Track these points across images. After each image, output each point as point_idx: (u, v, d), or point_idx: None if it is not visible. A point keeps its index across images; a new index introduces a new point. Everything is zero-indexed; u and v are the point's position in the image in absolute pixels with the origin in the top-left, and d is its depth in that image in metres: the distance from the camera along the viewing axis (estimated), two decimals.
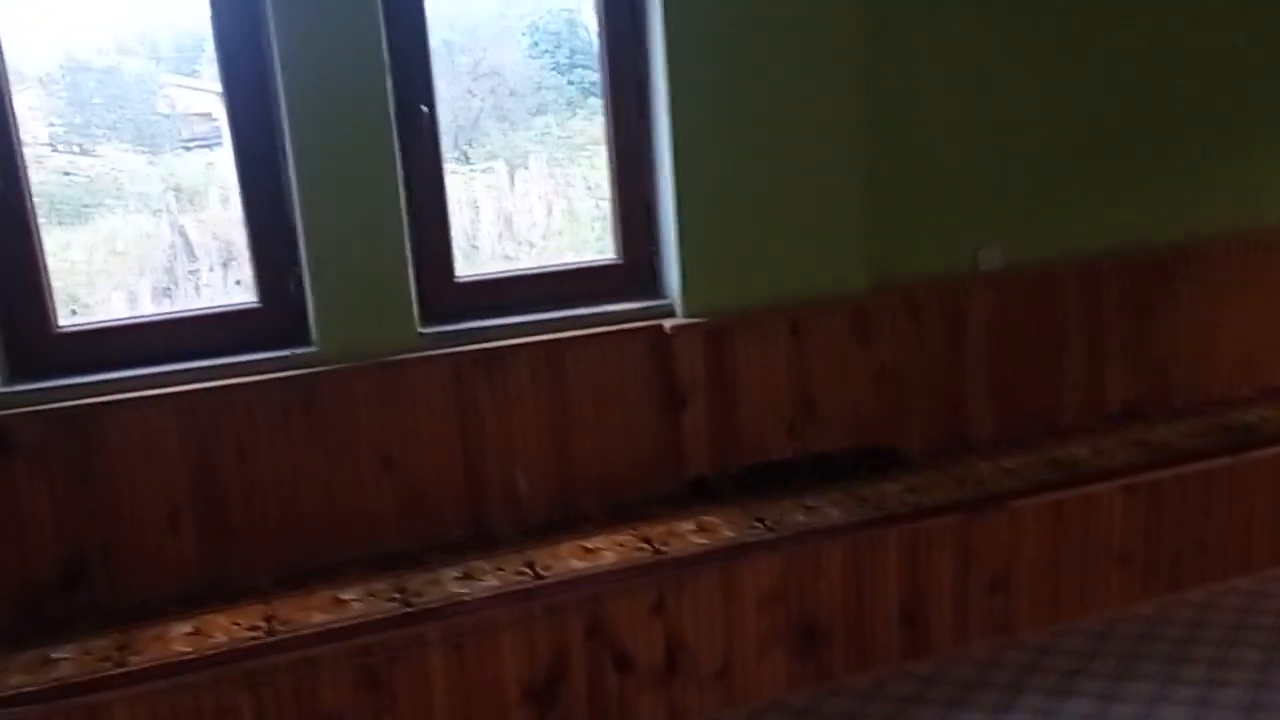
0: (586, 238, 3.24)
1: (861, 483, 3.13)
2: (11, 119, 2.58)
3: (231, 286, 2.91)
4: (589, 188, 3.21)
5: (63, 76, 2.73)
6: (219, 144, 2.76)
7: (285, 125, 2.69)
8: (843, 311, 3.16)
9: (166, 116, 2.77)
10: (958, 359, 3.38)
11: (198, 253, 2.87)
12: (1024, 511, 3.06)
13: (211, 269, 2.88)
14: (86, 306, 2.79)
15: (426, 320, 2.90)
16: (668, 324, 3.03)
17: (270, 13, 2.62)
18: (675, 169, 2.97)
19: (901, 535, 2.91)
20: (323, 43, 2.66)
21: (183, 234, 2.88)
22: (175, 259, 2.86)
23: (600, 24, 2.99)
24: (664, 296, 3.10)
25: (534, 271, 3.11)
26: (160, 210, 2.81)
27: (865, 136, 3.11)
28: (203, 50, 2.73)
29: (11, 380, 2.62)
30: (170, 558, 2.72)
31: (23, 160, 2.60)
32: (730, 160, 3.01)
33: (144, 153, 2.76)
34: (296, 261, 2.80)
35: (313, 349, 2.80)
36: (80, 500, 2.64)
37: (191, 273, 2.86)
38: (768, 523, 2.89)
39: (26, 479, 2.59)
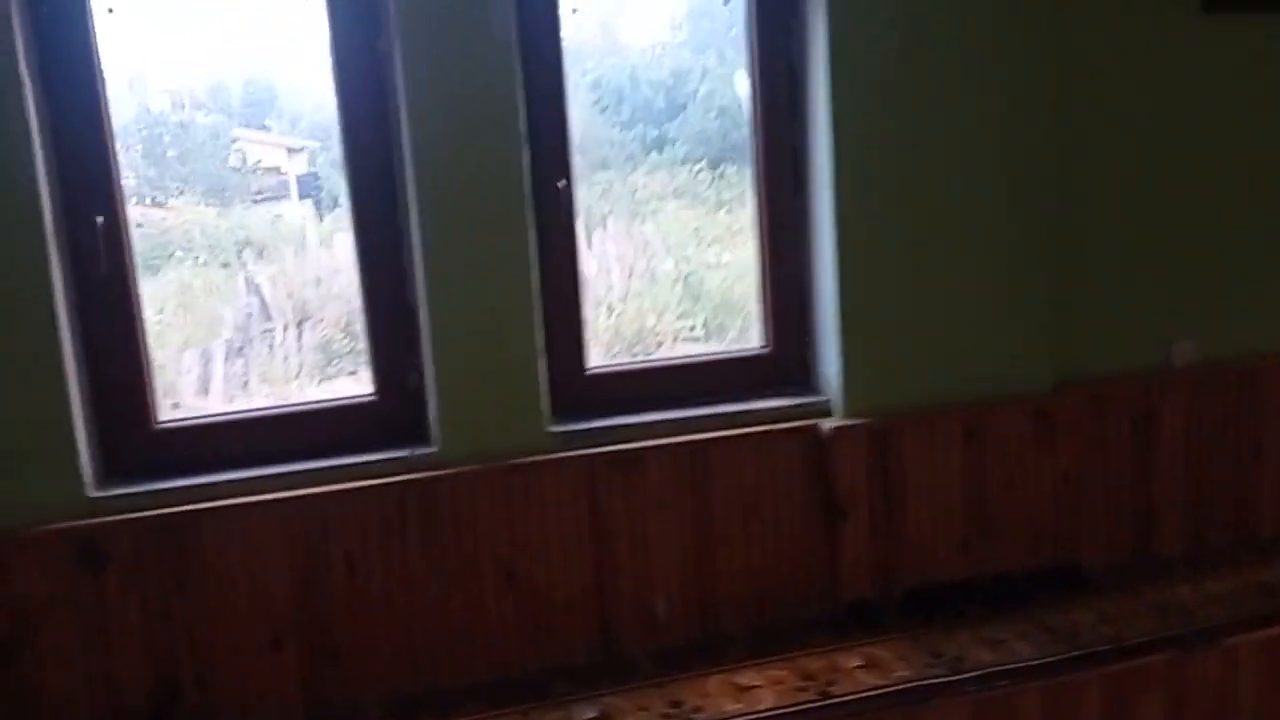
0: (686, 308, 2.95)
1: (1045, 608, 2.72)
2: (123, 225, 2.34)
3: (307, 349, 2.74)
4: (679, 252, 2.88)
5: (138, 130, 2.61)
6: (286, 198, 2.69)
7: (411, 201, 2.41)
8: (1024, 412, 2.78)
9: (237, 170, 2.70)
10: (1148, 465, 2.96)
11: (272, 311, 2.73)
12: (1240, 649, 2.63)
13: (286, 328, 2.73)
14: (161, 367, 2.57)
15: (556, 417, 2.59)
16: (825, 424, 2.67)
17: (400, 84, 2.35)
18: (838, 248, 2.63)
19: (1105, 678, 2.49)
20: (457, 115, 2.38)
21: (257, 291, 2.73)
22: (249, 316, 2.73)
23: (753, 86, 2.68)
24: (819, 392, 2.75)
25: (672, 362, 2.78)
26: (230, 264, 2.68)
27: (1053, 218, 2.75)
28: (273, 104, 2.68)
29: (105, 483, 2.35)
30: (270, 683, 2.41)
31: (129, 240, 2.37)
32: (900, 240, 2.66)
33: (214, 205, 2.68)
34: (417, 350, 2.51)
35: (432, 449, 2.49)
36: (174, 617, 2.34)
37: (266, 331, 2.72)
38: (948, 659, 2.49)
39: (117, 594, 2.31)
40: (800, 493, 2.69)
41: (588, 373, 2.66)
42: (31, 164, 2.17)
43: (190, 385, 2.67)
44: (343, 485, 2.42)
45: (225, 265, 2.69)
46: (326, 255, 2.74)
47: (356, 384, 2.66)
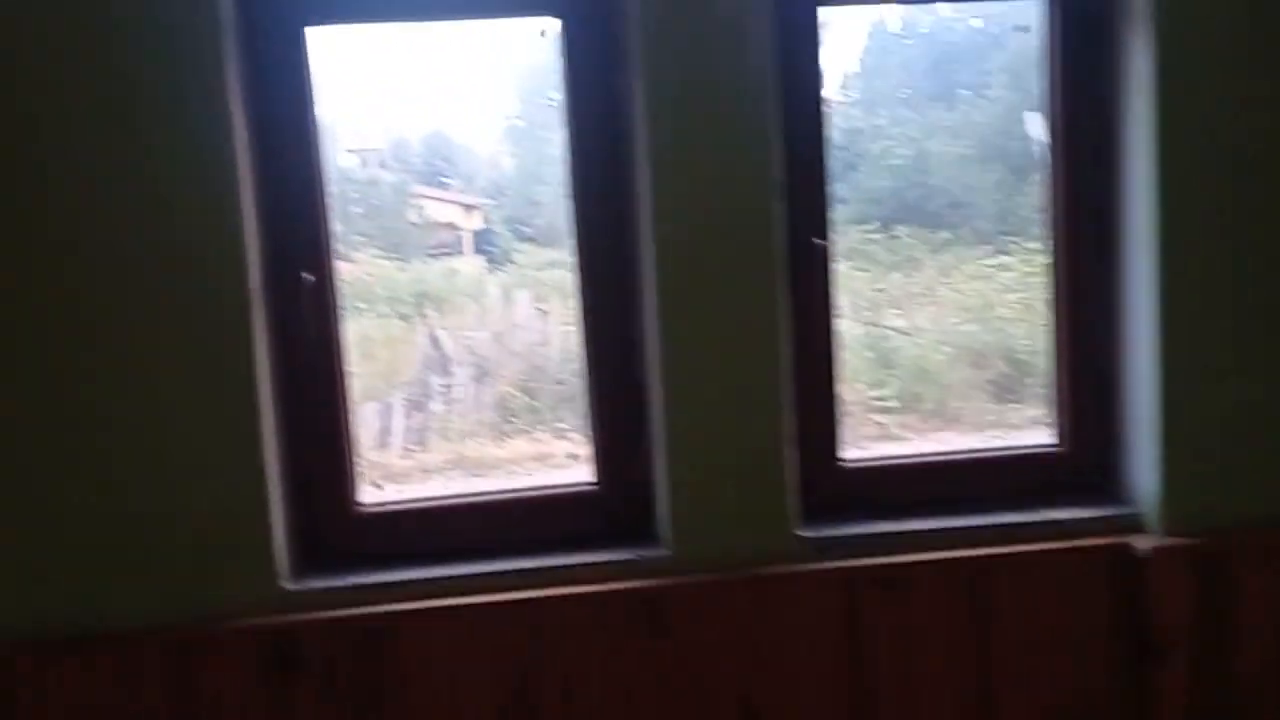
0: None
1: None
2: (331, 284, 2.12)
3: (485, 406, 2.61)
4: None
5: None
6: (460, 253, 2.68)
7: (645, 258, 2.09)
8: None
9: (415, 225, 2.71)
10: None
11: (451, 366, 2.65)
12: None
13: (464, 383, 2.64)
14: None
15: (805, 519, 2.18)
16: (1139, 543, 2.16)
17: (640, 124, 2.05)
18: (1159, 327, 2.13)
19: None
20: (703, 160, 2.05)
21: (437, 345, 2.64)
22: (428, 370, 2.65)
23: (1053, 130, 2.25)
24: (1128, 502, 2.24)
25: (944, 458, 2.32)
26: (410, 316, 2.61)
27: None
28: (450, 161, 2.70)
29: (301, 574, 2.09)
30: None
31: (337, 301, 2.13)
32: (1237, 319, 2.15)
33: (394, 259, 2.67)
34: (645, 433, 2.18)
35: (662, 552, 2.13)
36: None
37: (444, 386, 2.63)
38: None
39: (310, 703, 2.03)
40: (1105, 626, 2.18)
41: (842, 466, 2.25)
42: (238, 214, 1.96)
43: (368, 439, 2.52)
44: (560, 590, 2.08)
45: (404, 318, 2.62)
46: (505, 311, 2.68)
47: (533, 445, 2.51)
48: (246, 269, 1.97)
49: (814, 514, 2.19)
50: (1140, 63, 2.12)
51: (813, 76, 2.15)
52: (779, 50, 2.09)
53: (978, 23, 2.54)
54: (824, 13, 2.15)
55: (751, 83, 2.05)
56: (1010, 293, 2.63)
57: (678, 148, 2.05)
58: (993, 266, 2.62)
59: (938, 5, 2.48)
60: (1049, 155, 2.26)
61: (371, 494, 2.21)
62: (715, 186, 2.06)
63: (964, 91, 2.58)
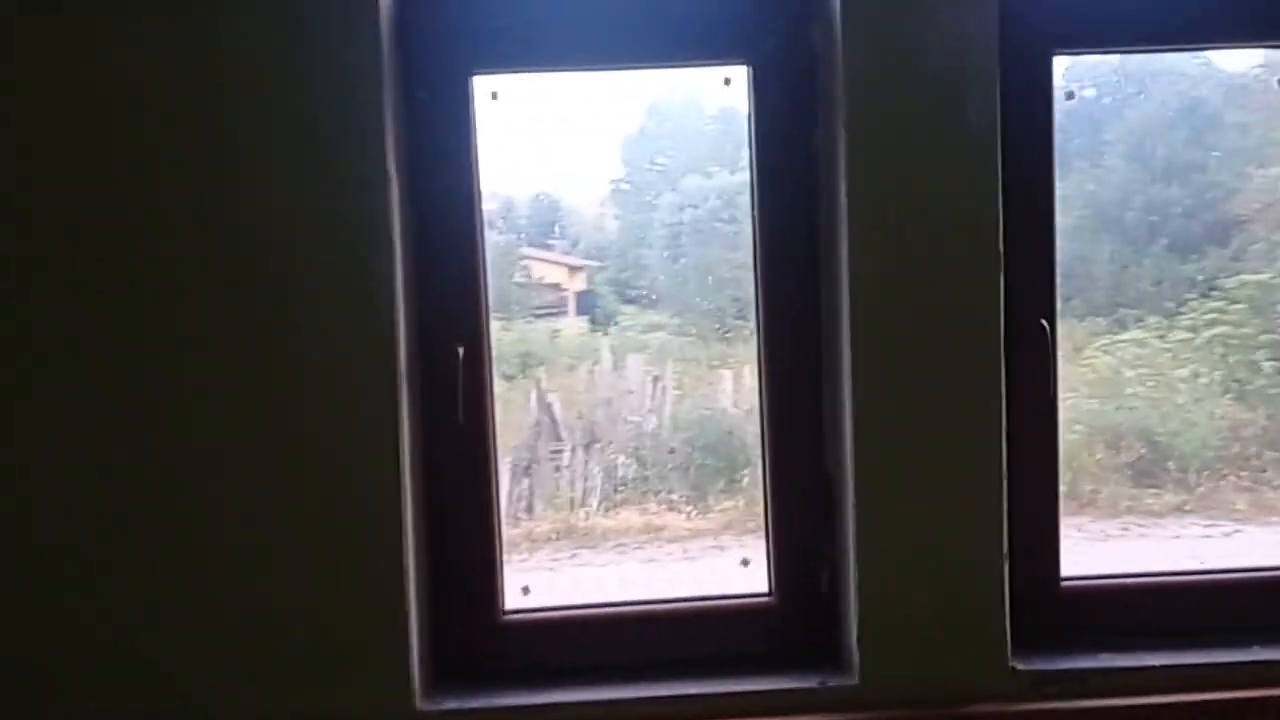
0: None
1: None
2: (486, 356, 1.90)
3: (594, 474, 2.43)
4: None
5: None
6: (564, 313, 2.61)
7: (843, 336, 1.80)
8: None
9: (521, 286, 2.61)
10: None
11: (562, 432, 2.49)
12: None
13: (574, 450, 2.49)
14: None
15: (1022, 649, 1.84)
16: None
17: (841, 186, 1.77)
18: None
19: None
20: (914, 226, 1.76)
21: (548, 409, 2.48)
22: (538, 434, 2.50)
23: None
24: None
25: (1182, 579, 1.96)
26: (515, 377, 2.47)
27: None
28: (555, 222, 2.63)
29: (434, 691, 1.83)
30: None
31: (491, 374, 1.90)
32: None
33: (499, 319, 2.47)
34: (832, 542, 1.88)
35: (851, 681, 1.82)
36: None
37: (554, 453, 2.48)
38: None
39: None
40: None
41: (1065, 586, 1.91)
42: (393, 281, 1.74)
43: None
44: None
45: (509, 379, 2.47)
46: (616, 376, 2.55)
47: (643, 516, 2.35)
48: (397, 342, 1.75)
49: (1033, 643, 1.86)
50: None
51: (1044, 136, 1.85)
52: (1007, 105, 1.80)
53: (1090, 93, 2.41)
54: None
55: (977, 139, 1.76)
56: (1136, 367, 2.42)
57: (884, 207, 1.77)
58: (1122, 341, 2.42)
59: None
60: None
61: (518, 599, 1.95)
62: (925, 260, 1.77)
63: (1077, 160, 2.44)
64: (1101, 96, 2.51)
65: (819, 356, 1.88)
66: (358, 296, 1.72)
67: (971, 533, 1.81)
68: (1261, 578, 1.94)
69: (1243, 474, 2.14)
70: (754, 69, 1.85)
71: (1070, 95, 1.98)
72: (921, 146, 1.76)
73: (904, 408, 1.79)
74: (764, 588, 1.92)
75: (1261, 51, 2.05)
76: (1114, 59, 2.16)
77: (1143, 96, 2.29)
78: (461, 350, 1.84)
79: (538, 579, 2.01)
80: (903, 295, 1.78)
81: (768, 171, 1.86)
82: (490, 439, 1.88)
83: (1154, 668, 1.83)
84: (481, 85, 1.85)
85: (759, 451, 1.93)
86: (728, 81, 1.89)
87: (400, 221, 1.76)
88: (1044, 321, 1.86)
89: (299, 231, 1.72)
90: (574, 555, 2.41)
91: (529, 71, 1.89)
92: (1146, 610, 1.92)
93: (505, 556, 1.92)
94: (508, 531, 2.29)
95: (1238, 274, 2.18)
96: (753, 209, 1.88)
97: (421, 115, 1.82)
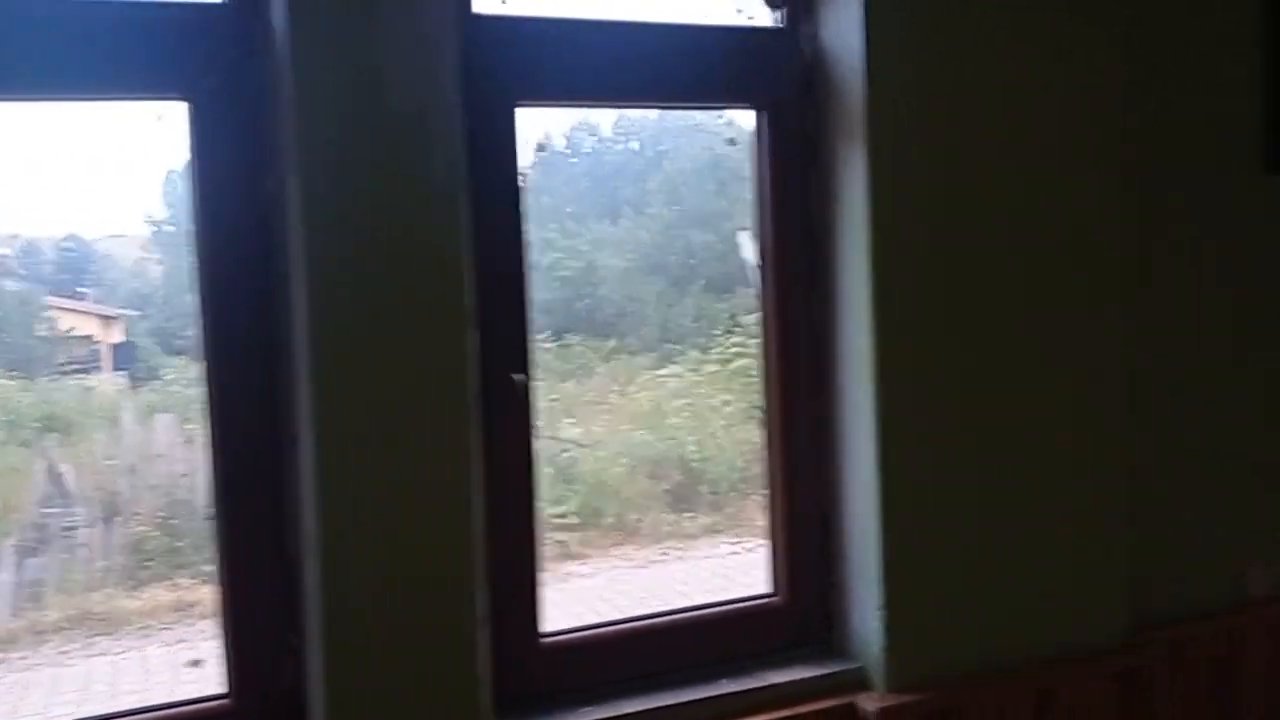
0: None
1: None
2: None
3: (114, 545, 2.25)
4: None
5: None
6: (98, 368, 2.46)
7: (302, 404, 1.65)
8: (1101, 673, 2.16)
9: (45, 339, 2.48)
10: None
11: (76, 503, 2.32)
12: None
13: (93, 525, 2.31)
14: None
15: (501, 710, 1.79)
16: (866, 703, 1.97)
17: (296, 240, 1.62)
18: (879, 464, 1.98)
19: None
20: (375, 282, 1.65)
21: (59, 481, 2.30)
22: (48, 510, 2.31)
23: (763, 251, 2.06)
24: (852, 656, 2.05)
25: (654, 623, 2.01)
26: (30, 443, 2.29)
27: (1131, 432, 2.21)
28: (86, 270, 2.48)
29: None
30: None
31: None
32: (958, 459, 2.04)
33: (17, 378, 2.41)
34: (299, 624, 1.71)
35: None
36: None
37: (67, 529, 2.29)
38: None
39: None
40: None
41: (544, 642, 1.89)
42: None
43: None
44: None
45: (24, 445, 2.31)
46: (144, 436, 2.37)
47: (173, 593, 2.19)
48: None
49: (512, 703, 1.81)
50: (854, 183, 1.99)
51: (510, 186, 1.82)
52: (470, 155, 1.74)
53: (635, 145, 2.65)
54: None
55: (439, 194, 1.68)
56: (678, 399, 2.65)
57: (342, 261, 1.63)
58: (663, 375, 2.65)
59: (601, 127, 2.52)
60: (760, 277, 2.07)
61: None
62: (391, 317, 1.66)
63: (626, 208, 2.67)
64: (644, 149, 2.68)
65: (275, 423, 1.70)
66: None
67: (449, 600, 1.72)
68: (723, 613, 2.05)
69: (764, 492, 2.28)
70: (195, 107, 1.64)
71: (542, 147, 1.99)
72: (382, 197, 1.65)
73: (370, 472, 1.66)
74: (221, 688, 1.70)
75: None
76: (653, 114, 2.24)
77: (672, 150, 2.42)
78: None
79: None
80: (367, 355, 1.65)
81: (210, 219, 1.65)
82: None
83: (630, 715, 1.86)
84: None
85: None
86: (160, 118, 1.66)
87: None
88: (518, 376, 1.83)
89: None
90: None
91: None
92: (622, 657, 1.95)
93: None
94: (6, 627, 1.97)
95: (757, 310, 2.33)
96: (196, 263, 1.66)
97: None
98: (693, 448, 2.51)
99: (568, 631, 1.93)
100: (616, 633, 1.98)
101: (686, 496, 2.59)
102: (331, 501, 1.65)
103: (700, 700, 1.91)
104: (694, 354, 2.44)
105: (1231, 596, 2.40)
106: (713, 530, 2.36)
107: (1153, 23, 2.24)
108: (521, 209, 1.83)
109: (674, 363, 2.56)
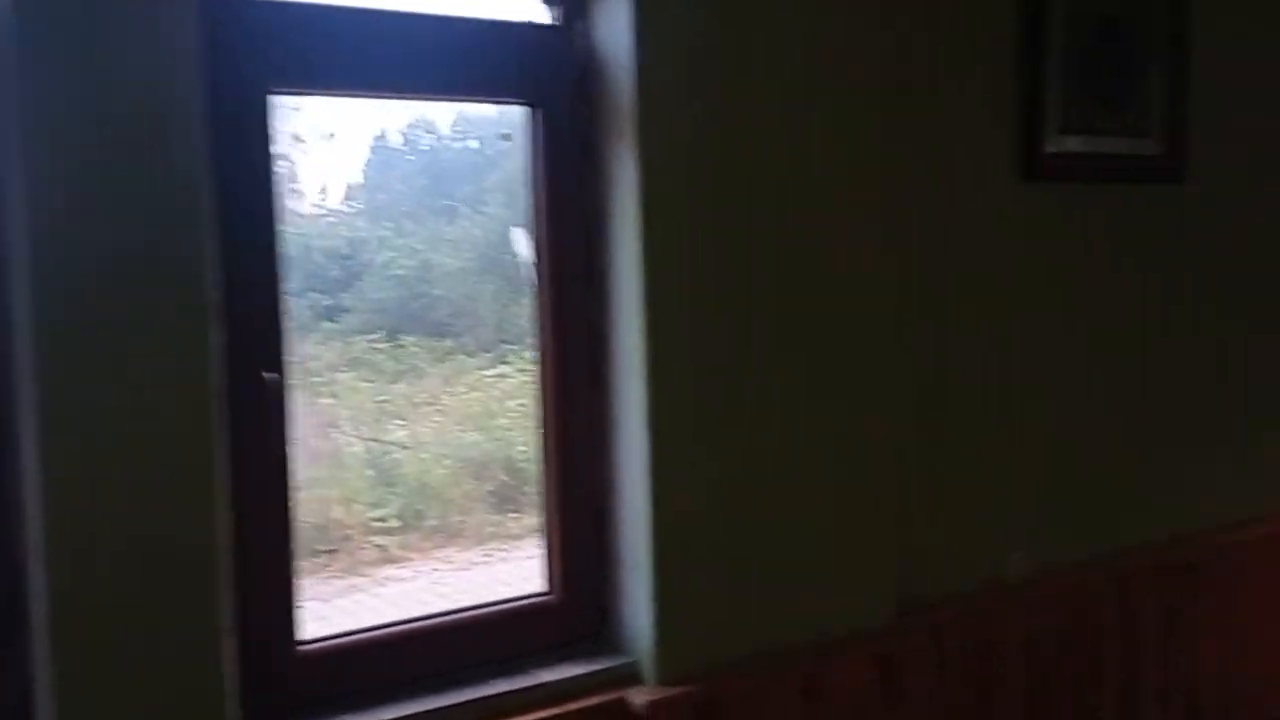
0: None
1: None
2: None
3: None
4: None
5: None
6: None
7: (26, 406, 1.54)
8: (864, 657, 2.24)
9: None
10: (988, 707, 2.52)
11: None
12: None
13: None
14: None
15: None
16: (636, 697, 1.99)
17: (20, 237, 1.51)
18: (650, 459, 2.00)
19: None
20: (109, 283, 1.55)
21: None
22: None
23: (539, 247, 2.04)
24: (624, 651, 2.06)
25: (422, 626, 1.96)
26: None
27: (898, 431, 2.31)
28: None
29: None
30: None
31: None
32: (724, 448, 2.08)
33: None
34: (25, 641, 1.60)
35: None
36: None
37: None
38: None
39: None
40: None
41: (301, 650, 1.83)
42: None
43: None
44: None
45: None
46: None
47: None
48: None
49: (269, 714, 1.75)
50: (625, 181, 2.00)
51: (263, 178, 1.74)
52: (221, 145, 1.66)
53: (474, 143, 2.57)
54: (320, 116, 1.77)
55: (179, 186, 1.60)
56: (510, 399, 2.61)
57: (68, 265, 1.53)
58: (493, 376, 2.61)
59: (438, 122, 2.48)
60: (535, 274, 2.06)
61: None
62: (120, 311, 1.57)
63: (462, 207, 2.61)
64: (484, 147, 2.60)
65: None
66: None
67: (190, 611, 1.64)
68: (497, 612, 2.03)
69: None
70: None
71: (299, 138, 1.92)
72: (113, 186, 1.56)
73: (102, 475, 1.56)
74: None
75: None
76: (492, 112, 2.20)
77: (510, 149, 2.35)
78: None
79: None
80: (96, 355, 1.55)
81: None
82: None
83: None
84: None
85: None
86: None
87: None
88: (271, 374, 1.76)
89: None
90: None
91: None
92: (389, 662, 1.91)
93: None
94: None
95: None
96: None
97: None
98: (521, 448, 2.47)
99: (330, 638, 1.87)
100: (384, 636, 1.93)
101: (512, 497, 2.55)
102: (57, 504, 1.54)
103: (468, 702, 1.89)
104: (528, 354, 2.43)
105: (991, 582, 2.55)
106: (537, 530, 2.33)
107: (914, 32, 2.34)
108: (276, 201, 1.76)
109: (505, 363, 2.51)
